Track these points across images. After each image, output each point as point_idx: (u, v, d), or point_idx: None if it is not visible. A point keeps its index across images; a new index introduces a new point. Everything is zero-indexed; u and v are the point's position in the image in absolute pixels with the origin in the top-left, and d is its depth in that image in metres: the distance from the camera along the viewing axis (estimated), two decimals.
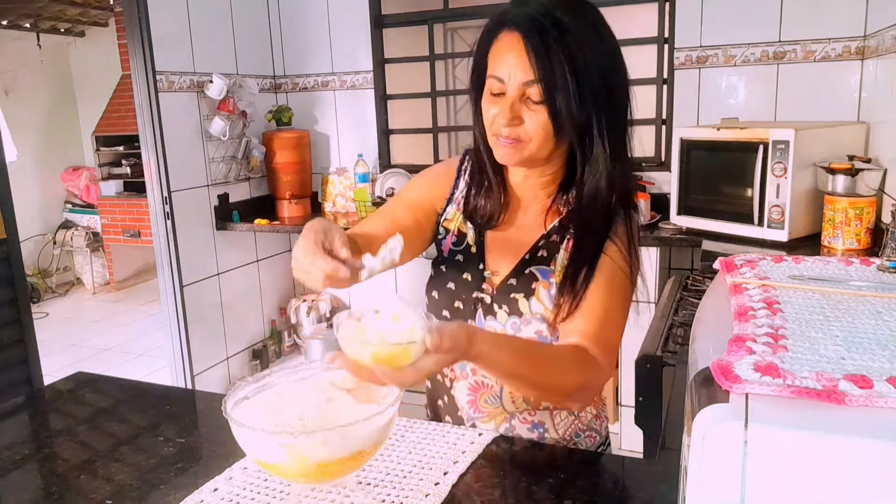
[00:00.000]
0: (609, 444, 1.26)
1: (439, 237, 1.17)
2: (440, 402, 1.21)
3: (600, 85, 0.98)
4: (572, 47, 0.94)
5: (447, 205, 1.17)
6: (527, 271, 1.09)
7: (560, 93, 0.95)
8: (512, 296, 1.08)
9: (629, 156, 1.05)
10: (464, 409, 1.16)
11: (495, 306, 1.09)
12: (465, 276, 1.12)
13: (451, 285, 1.13)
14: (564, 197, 1.10)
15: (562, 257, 1.08)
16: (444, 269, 1.15)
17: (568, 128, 0.98)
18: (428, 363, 0.78)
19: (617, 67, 1.01)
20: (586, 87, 0.96)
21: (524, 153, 1.01)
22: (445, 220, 1.17)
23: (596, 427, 1.22)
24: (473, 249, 1.13)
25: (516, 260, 1.10)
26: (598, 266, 1.04)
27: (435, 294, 1.15)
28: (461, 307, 1.12)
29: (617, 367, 2.96)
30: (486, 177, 1.12)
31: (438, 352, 0.78)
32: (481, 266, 1.12)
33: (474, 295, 1.11)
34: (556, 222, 1.10)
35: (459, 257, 1.14)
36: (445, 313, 1.14)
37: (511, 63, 0.96)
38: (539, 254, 1.09)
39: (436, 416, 1.23)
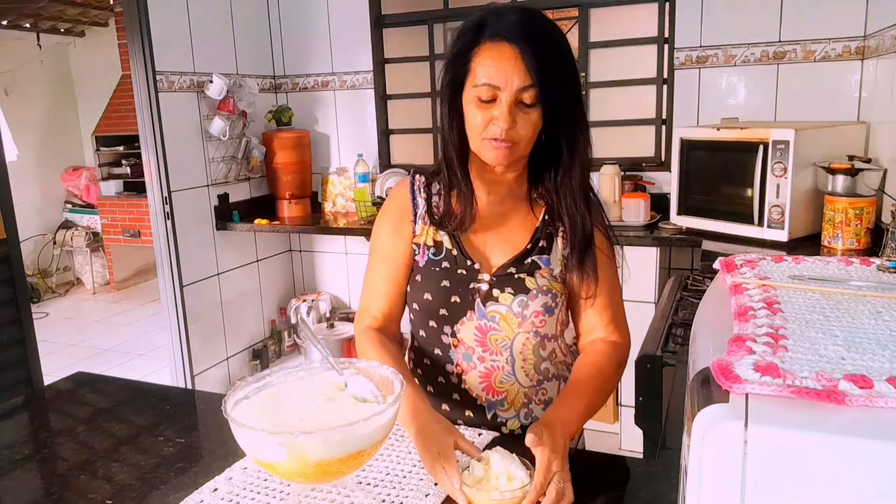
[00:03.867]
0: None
1: (415, 255, 1.22)
2: (445, 407, 1.22)
3: (574, 85, 1.10)
4: (556, 54, 1.06)
5: (414, 226, 1.22)
6: (528, 261, 1.16)
7: (551, 94, 1.05)
8: (516, 277, 1.15)
9: (591, 145, 1.15)
10: (481, 397, 1.19)
11: (495, 291, 1.16)
12: (459, 272, 1.17)
13: (445, 283, 1.18)
14: (539, 189, 1.19)
15: (560, 246, 1.17)
16: (429, 274, 1.19)
17: (557, 125, 1.08)
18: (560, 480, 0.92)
19: (576, 66, 1.13)
20: (568, 86, 1.07)
21: (516, 154, 1.09)
22: (416, 236, 1.21)
23: None
24: (454, 252, 1.18)
25: (514, 251, 1.17)
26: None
27: (428, 296, 1.19)
28: (458, 300, 1.17)
29: None
30: (455, 180, 1.17)
31: (560, 472, 0.92)
32: (469, 262, 1.17)
33: (471, 286, 1.16)
34: (544, 214, 1.18)
35: (445, 264, 1.18)
36: (443, 311, 1.18)
37: (507, 70, 1.03)
38: (540, 244, 1.17)
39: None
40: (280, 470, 0.85)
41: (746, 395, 0.54)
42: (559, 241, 1.17)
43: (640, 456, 1.97)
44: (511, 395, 1.19)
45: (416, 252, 1.21)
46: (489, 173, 1.17)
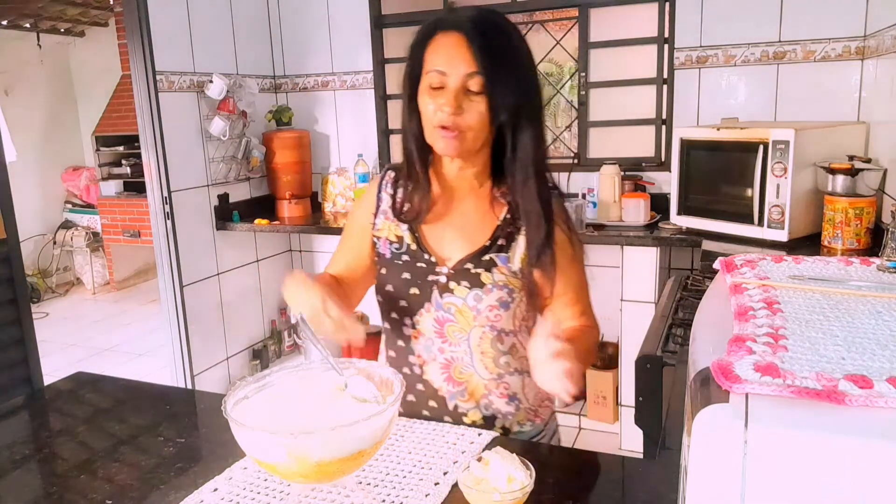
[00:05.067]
0: (554, 415, 1.35)
1: (377, 247, 1.26)
2: (411, 398, 1.25)
3: (526, 78, 1.12)
4: (506, 44, 1.09)
5: (375, 219, 1.26)
6: (486, 257, 1.17)
7: (498, 83, 1.07)
8: (473, 272, 1.17)
9: (546, 144, 1.17)
10: (442, 388, 1.21)
11: (451, 284, 1.18)
12: (418, 265, 1.20)
13: (405, 275, 1.21)
14: (501, 188, 1.19)
15: (522, 245, 1.17)
16: (392, 267, 1.23)
17: (503, 116, 1.09)
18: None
19: (534, 65, 1.15)
20: (517, 79, 1.10)
21: (465, 143, 1.10)
22: (377, 230, 1.25)
23: (551, 397, 1.33)
24: (414, 246, 1.21)
25: (472, 248, 1.18)
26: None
27: (390, 288, 1.23)
28: (417, 292, 1.20)
29: (616, 367, 2.96)
30: (413, 172, 1.20)
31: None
32: (426, 256, 1.20)
33: (429, 278, 1.19)
34: (505, 213, 1.19)
35: (405, 257, 1.22)
36: (403, 303, 1.22)
37: (454, 57, 1.07)
38: (498, 242, 1.18)
39: (411, 412, 1.25)
40: (280, 470, 0.85)
41: (746, 395, 0.54)
42: (520, 240, 1.18)
43: (640, 456, 1.97)
44: (471, 386, 1.21)
45: (378, 245, 1.25)
46: (448, 169, 1.20)
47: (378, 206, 1.26)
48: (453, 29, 1.09)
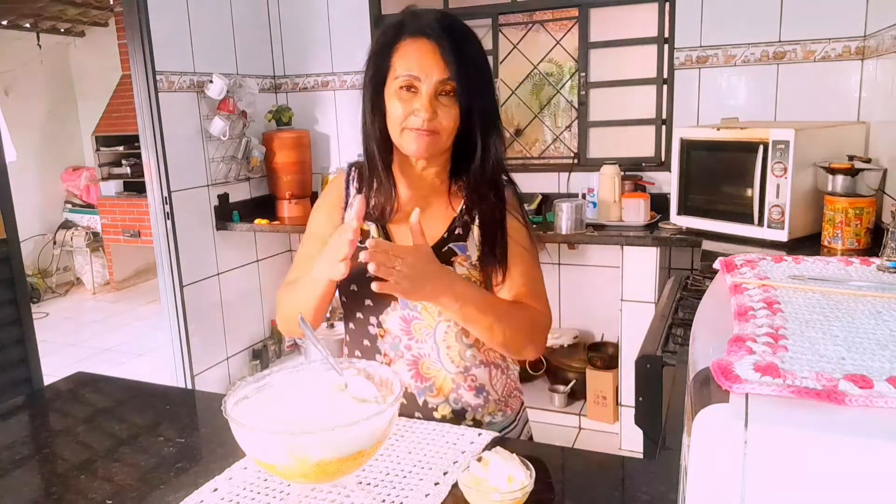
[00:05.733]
0: (524, 406, 1.36)
1: None
2: None
3: (488, 83, 1.17)
4: (472, 52, 1.14)
5: (344, 213, 1.26)
6: (445, 248, 1.20)
7: (468, 88, 1.12)
8: None
9: (505, 143, 1.22)
10: (411, 385, 1.22)
11: None
12: None
13: (370, 275, 1.18)
14: (459, 183, 1.24)
15: (476, 234, 1.21)
16: (357, 266, 1.20)
17: (473, 118, 1.14)
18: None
19: (490, 69, 1.21)
20: (483, 83, 1.15)
21: (437, 144, 1.14)
22: None
23: (519, 387, 1.35)
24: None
25: (432, 241, 1.19)
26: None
27: (354, 287, 1.23)
28: None
29: (616, 367, 2.96)
30: (376, 174, 1.21)
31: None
32: None
33: None
34: (462, 205, 1.23)
35: None
36: (368, 302, 1.22)
37: (426, 63, 1.10)
38: (456, 232, 1.21)
39: None
40: (280, 470, 0.85)
41: (746, 395, 0.54)
42: (475, 230, 1.21)
43: (640, 456, 1.97)
44: (439, 381, 1.21)
45: None
46: (411, 168, 1.22)
47: (347, 201, 1.26)
48: (421, 35, 1.11)
